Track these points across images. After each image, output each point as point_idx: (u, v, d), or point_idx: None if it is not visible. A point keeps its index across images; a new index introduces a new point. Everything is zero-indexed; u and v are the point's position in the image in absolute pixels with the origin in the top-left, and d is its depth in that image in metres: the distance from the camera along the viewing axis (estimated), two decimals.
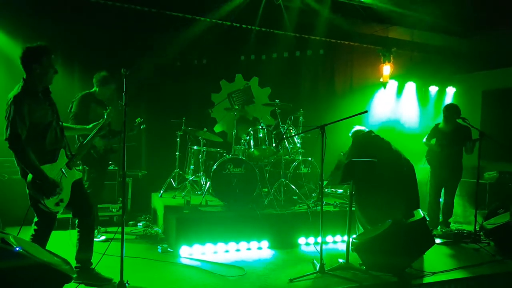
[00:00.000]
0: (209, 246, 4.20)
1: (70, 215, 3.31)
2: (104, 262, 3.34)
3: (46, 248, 3.00)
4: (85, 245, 3.25)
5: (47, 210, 2.92)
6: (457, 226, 5.82)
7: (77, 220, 3.25)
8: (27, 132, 2.83)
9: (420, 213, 3.97)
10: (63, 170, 3.04)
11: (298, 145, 5.42)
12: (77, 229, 3.25)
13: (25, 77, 2.92)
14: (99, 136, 3.84)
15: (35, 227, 3.05)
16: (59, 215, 3.41)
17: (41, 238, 3.04)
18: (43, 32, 5.13)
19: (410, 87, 7.87)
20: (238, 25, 6.42)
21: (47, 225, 3.08)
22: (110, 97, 4.58)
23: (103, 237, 4.49)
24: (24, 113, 2.80)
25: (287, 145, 5.24)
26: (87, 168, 4.39)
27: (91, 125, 3.46)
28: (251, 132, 5.21)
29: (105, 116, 3.50)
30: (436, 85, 7.97)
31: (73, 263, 3.12)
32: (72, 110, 4.34)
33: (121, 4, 5.70)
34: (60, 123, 3.14)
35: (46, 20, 5.30)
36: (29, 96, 2.86)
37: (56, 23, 5.39)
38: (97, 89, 4.52)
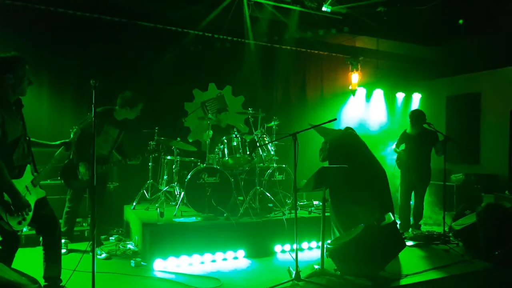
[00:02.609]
0: (184, 258, 4.14)
1: None
2: (74, 278, 3.23)
3: (13, 267, 2.88)
4: (52, 262, 3.12)
5: (9, 229, 2.78)
6: (427, 228, 6.00)
7: (41, 238, 3.11)
8: None
9: (391, 216, 4.08)
10: (27, 187, 2.93)
11: (272, 152, 5.46)
12: (42, 247, 3.12)
13: None
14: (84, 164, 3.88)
15: (0, 247, 2.92)
16: (28, 232, 3.29)
17: (6, 257, 2.91)
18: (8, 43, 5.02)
19: (378, 94, 8.11)
20: (209, 34, 6.46)
21: (11, 244, 2.95)
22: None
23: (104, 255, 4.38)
24: None
25: (261, 153, 5.27)
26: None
27: (58, 142, 3.35)
28: (225, 140, 5.21)
29: (71, 136, 3.40)
30: (402, 92, 8.25)
31: (42, 282, 3.00)
32: (80, 126, 3.93)
33: (90, 15, 5.63)
34: (27, 138, 3.04)
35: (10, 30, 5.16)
36: (3, 108, 2.77)
37: (23, 34, 5.23)
38: (121, 109, 4.36)
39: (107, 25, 5.80)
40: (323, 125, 4.05)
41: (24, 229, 3.06)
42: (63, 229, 4.27)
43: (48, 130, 5.30)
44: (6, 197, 2.73)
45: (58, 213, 3.34)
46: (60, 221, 4.31)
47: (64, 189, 4.85)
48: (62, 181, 4.31)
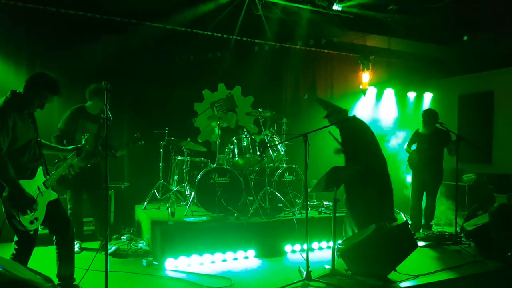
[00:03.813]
0: (195, 258, 4.16)
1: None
2: (88, 277, 3.28)
3: (28, 265, 2.94)
4: (65, 261, 3.19)
5: (22, 228, 2.84)
6: (439, 228, 5.94)
7: (54, 237, 3.18)
8: (8, 147, 2.79)
9: (402, 217, 4.05)
10: (39, 188, 2.99)
11: (282, 152, 5.45)
12: (55, 246, 3.18)
13: (17, 91, 2.92)
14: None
15: (15, 246, 2.99)
16: (42, 231, 3.35)
17: (22, 256, 2.98)
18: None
19: (389, 93, 8.04)
20: (219, 35, 6.48)
21: (27, 243, 3.01)
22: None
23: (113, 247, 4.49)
24: (9, 126, 2.78)
25: (271, 153, 5.28)
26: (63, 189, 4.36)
27: (70, 147, 3.43)
28: (235, 141, 5.23)
29: (83, 142, 3.47)
30: (414, 91, 8.17)
31: (56, 280, 3.05)
32: (58, 126, 4.28)
33: (100, 16, 5.70)
34: (39, 140, 3.12)
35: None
36: (16, 111, 2.85)
37: (33, 35, 5.32)
38: (90, 102, 4.42)
39: (117, 26, 5.83)
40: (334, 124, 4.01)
41: (39, 227, 3.11)
42: None
43: None
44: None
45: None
46: None
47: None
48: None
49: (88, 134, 3.56)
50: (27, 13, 5.26)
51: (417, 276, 3.83)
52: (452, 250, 4.85)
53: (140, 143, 4.62)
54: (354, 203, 4.30)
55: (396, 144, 7.13)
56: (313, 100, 4.32)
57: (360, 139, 4.37)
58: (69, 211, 4.46)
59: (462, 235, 5.21)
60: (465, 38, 6.34)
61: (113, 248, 4.49)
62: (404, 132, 7.39)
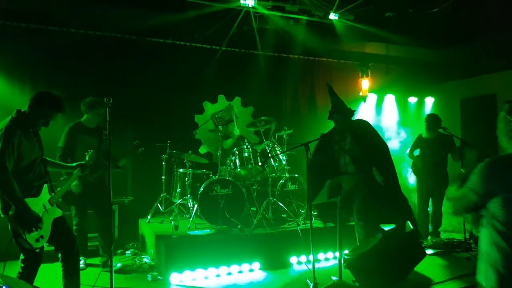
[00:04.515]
0: (199, 272, 4.11)
1: None
2: None
3: (35, 283, 2.94)
4: (71, 278, 3.17)
5: (28, 247, 2.83)
6: (447, 235, 5.85)
7: (60, 254, 3.17)
8: (13, 165, 2.80)
9: (410, 225, 3.98)
10: (45, 205, 2.99)
11: (284, 162, 5.42)
12: (60, 263, 3.16)
13: (22, 110, 2.96)
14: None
15: (22, 265, 2.97)
16: (47, 248, 3.34)
17: (28, 275, 2.95)
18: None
19: (390, 99, 8.01)
20: (217, 47, 6.51)
21: (33, 261, 2.99)
22: (102, 123, 4.48)
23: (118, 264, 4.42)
24: (14, 145, 2.80)
25: (273, 163, 5.24)
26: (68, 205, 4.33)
27: (75, 164, 3.43)
28: (236, 151, 5.20)
29: (86, 158, 3.46)
30: (415, 96, 8.13)
31: None
32: (58, 145, 4.28)
33: (101, 33, 5.75)
34: (44, 158, 3.13)
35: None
36: (21, 129, 2.89)
37: (37, 53, 5.37)
38: (85, 116, 4.42)
39: (118, 42, 5.90)
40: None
41: (45, 245, 3.09)
42: None
43: None
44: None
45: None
46: None
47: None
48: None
49: (92, 151, 3.54)
50: (31, 33, 5.34)
51: (427, 285, 3.75)
52: (462, 257, 4.76)
53: (140, 149, 4.59)
54: (367, 211, 4.18)
55: (398, 147, 7.07)
56: (329, 92, 4.26)
57: (375, 141, 4.29)
58: (74, 227, 4.42)
59: (471, 241, 5.11)
60: None
61: (118, 265, 4.43)
62: (405, 132, 7.36)
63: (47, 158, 3.19)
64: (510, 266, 1.89)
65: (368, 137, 4.23)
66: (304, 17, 5.67)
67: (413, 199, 5.99)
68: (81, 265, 4.29)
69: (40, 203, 2.96)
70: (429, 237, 5.62)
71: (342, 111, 4.34)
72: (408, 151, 5.97)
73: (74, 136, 4.30)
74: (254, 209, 5.22)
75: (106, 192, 3.26)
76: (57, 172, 3.63)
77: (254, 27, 5.65)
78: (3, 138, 2.76)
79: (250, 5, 5.16)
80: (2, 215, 2.87)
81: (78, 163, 3.43)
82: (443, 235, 5.78)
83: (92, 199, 4.39)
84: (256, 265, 4.40)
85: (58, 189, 3.20)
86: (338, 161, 4.36)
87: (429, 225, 5.75)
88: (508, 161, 2.04)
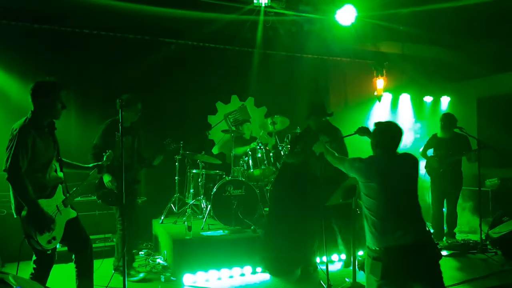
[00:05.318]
0: (212, 273, 4.12)
1: None
2: None
3: (47, 284, 2.96)
4: (84, 279, 3.17)
5: (39, 248, 2.84)
6: (463, 236, 5.76)
7: (73, 255, 3.17)
8: (27, 166, 2.81)
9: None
10: (58, 207, 3.01)
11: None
12: (74, 264, 3.17)
13: (32, 109, 2.94)
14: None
15: (34, 266, 2.98)
16: (60, 248, 3.37)
17: (40, 276, 2.97)
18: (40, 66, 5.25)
19: (405, 98, 7.91)
20: (230, 47, 6.52)
21: (45, 262, 3.01)
22: (136, 121, 4.35)
23: (141, 274, 4.26)
24: (28, 145, 2.80)
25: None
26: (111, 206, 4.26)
27: (91, 165, 3.42)
28: (250, 152, 5.19)
29: (104, 158, 3.43)
30: (430, 95, 8.01)
31: None
32: (93, 142, 4.14)
33: (114, 34, 5.81)
34: (60, 159, 3.13)
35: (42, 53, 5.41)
36: (35, 129, 2.88)
37: (51, 54, 5.45)
38: (123, 113, 4.32)
39: (130, 42, 5.95)
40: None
41: (57, 245, 3.12)
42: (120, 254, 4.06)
43: (76, 148, 5.39)
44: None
45: (89, 229, 3.39)
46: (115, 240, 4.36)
47: (93, 206, 4.95)
48: (100, 201, 4.23)
49: (110, 151, 3.49)
50: (44, 33, 5.44)
51: None
52: (477, 259, 4.69)
53: (172, 146, 4.51)
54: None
55: (413, 146, 6.95)
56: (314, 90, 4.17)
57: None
58: (119, 232, 4.25)
59: (487, 242, 5.02)
60: None
61: (141, 275, 4.24)
62: (420, 132, 7.25)
63: (63, 159, 3.19)
64: None
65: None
66: (318, 16, 5.63)
67: (427, 198, 5.89)
68: (140, 276, 4.19)
69: (54, 204, 2.97)
70: (444, 238, 5.54)
71: (321, 113, 4.26)
72: (421, 150, 5.87)
73: (113, 134, 4.14)
74: (267, 209, 5.21)
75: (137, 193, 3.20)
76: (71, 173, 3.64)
77: (268, 27, 5.63)
78: (17, 138, 2.77)
79: (263, 5, 5.14)
80: (15, 216, 2.89)
81: (95, 163, 3.43)
82: (459, 236, 5.68)
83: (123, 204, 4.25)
84: None
85: (74, 189, 3.21)
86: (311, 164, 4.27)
87: (444, 225, 5.66)
88: None
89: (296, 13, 5.48)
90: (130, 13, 5.25)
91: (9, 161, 2.75)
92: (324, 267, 3.64)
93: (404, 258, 2.50)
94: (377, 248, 2.57)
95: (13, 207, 2.90)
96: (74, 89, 5.63)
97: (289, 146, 4.68)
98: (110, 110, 4.18)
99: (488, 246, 4.98)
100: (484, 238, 5.04)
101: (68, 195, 3.12)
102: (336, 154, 3.12)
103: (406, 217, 2.61)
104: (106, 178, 4.05)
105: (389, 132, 2.76)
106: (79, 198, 4.97)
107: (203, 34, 6.16)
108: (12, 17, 5.24)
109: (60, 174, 3.11)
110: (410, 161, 2.75)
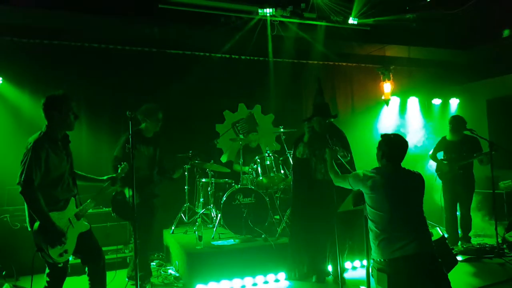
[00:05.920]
0: (224, 283, 4.09)
1: None
2: None
3: None
4: None
5: (51, 261, 2.85)
6: (478, 240, 5.65)
7: (86, 268, 3.18)
8: (40, 179, 2.84)
9: (439, 231, 3.85)
10: (70, 220, 3.02)
11: None
12: (87, 277, 3.17)
13: (46, 123, 2.99)
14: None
15: (47, 279, 2.99)
16: (73, 261, 3.36)
17: None
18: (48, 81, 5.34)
19: (413, 102, 7.85)
20: (236, 56, 6.57)
21: (58, 275, 3.02)
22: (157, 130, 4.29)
23: None
24: (42, 159, 2.84)
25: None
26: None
27: (105, 177, 3.40)
28: (258, 160, 5.19)
29: (118, 171, 3.42)
30: (439, 98, 7.94)
31: None
32: (114, 153, 4.07)
33: (122, 47, 5.89)
34: (73, 171, 3.16)
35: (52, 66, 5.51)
36: (49, 143, 2.92)
37: (60, 68, 5.54)
38: (144, 124, 4.18)
39: (138, 55, 6.03)
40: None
41: (70, 258, 3.12)
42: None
43: (87, 161, 5.39)
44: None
45: (101, 241, 3.39)
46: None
47: (104, 217, 4.97)
48: (114, 214, 4.15)
49: (125, 163, 3.45)
50: (53, 48, 5.56)
51: None
52: (494, 263, 4.58)
53: (197, 160, 4.46)
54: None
55: (423, 149, 6.88)
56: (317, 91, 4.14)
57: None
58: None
59: (504, 246, 4.92)
60: (506, 33, 6.02)
61: None
62: (429, 135, 7.17)
63: (76, 171, 3.22)
64: None
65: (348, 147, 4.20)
66: (323, 23, 5.65)
67: (440, 202, 5.80)
68: None
69: (66, 217, 2.98)
70: (459, 243, 5.44)
71: (325, 114, 4.16)
72: (430, 152, 5.80)
73: (133, 145, 4.18)
74: (277, 217, 5.18)
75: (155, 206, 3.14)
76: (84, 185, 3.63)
77: (273, 35, 5.66)
78: (31, 152, 2.80)
79: (268, 14, 5.17)
80: (29, 229, 2.91)
81: (109, 176, 3.42)
82: (474, 240, 5.58)
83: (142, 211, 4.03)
84: (282, 275, 4.35)
85: (87, 202, 3.21)
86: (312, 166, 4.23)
87: (459, 230, 5.56)
88: None
89: (301, 20, 5.50)
90: (134, 26, 5.33)
91: (23, 175, 2.78)
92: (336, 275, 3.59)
93: (409, 268, 2.53)
94: (382, 260, 2.60)
95: (27, 220, 2.93)
96: (85, 102, 5.69)
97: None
98: (120, 120, 4.18)
99: (506, 250, 4.87)
100: (500, 241, 4.93)
101: (81, 207, 3.13)
102: (340, 173, 3.18)
103: (410, 228, 2.63)
104: (128, 193, 3.97)
105: (394, 144, 2.81)
106: (90, 210, 4.98)
107: (208, 44, 6.22)
108: (23, 35, 5.34)
109: (73, 187, 3.12)
110: (417, 177, 2.81)
